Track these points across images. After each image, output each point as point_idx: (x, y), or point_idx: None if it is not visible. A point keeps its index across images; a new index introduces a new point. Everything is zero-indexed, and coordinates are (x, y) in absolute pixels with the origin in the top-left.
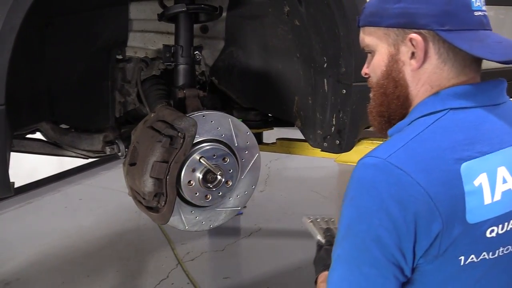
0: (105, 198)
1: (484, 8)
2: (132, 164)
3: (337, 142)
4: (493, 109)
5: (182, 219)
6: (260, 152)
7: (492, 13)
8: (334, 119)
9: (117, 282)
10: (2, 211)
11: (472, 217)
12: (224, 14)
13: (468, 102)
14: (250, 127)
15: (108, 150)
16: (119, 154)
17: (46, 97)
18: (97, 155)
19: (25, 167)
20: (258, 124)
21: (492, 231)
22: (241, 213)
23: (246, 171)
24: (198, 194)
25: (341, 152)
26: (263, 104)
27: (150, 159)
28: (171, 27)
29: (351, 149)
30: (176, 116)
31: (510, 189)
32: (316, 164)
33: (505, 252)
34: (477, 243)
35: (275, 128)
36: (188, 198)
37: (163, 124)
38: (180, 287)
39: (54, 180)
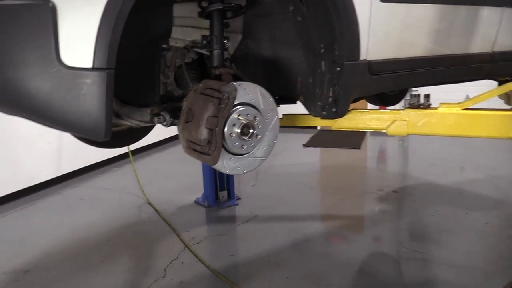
0: (105, 197)
1: None
2: (187, 121)
3: (334, 110)
4: None
5: (224, 164)
6: None
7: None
8: (330, 92)
9: (131, 264)
10: (7, 212)
11: None
12: None
13: None
14: None
15: (156, 120)
16: (164, 123)
17: None
18: (146, 124)
19: (25, 171)
20: None
21: None
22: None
23: (269, 128)
24: (236, 143)
25: (337, 118)
26: (272, 85)
27: (205, 114)
28: (202, 23)
29: (344, 114)
30: (221, 83)
31: None
32: (299, 161)
33: None
34: None
35: None
36: (229, 147)
37: (211, 90)
38: (190, 265)
39: (53, 183)
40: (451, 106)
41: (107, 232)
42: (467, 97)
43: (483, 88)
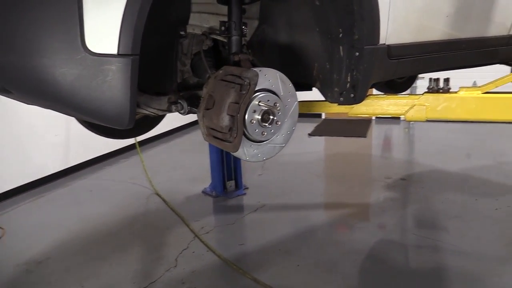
0: (114, 189)
1: None
2: (208, 108)
3: (352, 95)
4: None
5: (244, 152)
6: None
7: None
8: (349, 78)
9: (142, 254)
10: (17, 205)
11: None
12: None
13: None
14: None
15: (173, 109)
16: (182, 111)
17: None
18: (164, 113)
19: (34, 164)
20: None
21: None
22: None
23: (289, 114)
24: (257, 130)
25: (355, 104)
26: (288, 71)
27: (227, 100)
28: (220, 9)
29: (363, 99)
30: (242, 69)
31: None
32: (305, 150)
33: None
34: None
35: None
36: (250, 134)
37: (232, 77)
38: (201, 254)
39: (61, 175)
40: (471, 89)
41: (117, 223)
42: (475, 83)
43: (488, 74)
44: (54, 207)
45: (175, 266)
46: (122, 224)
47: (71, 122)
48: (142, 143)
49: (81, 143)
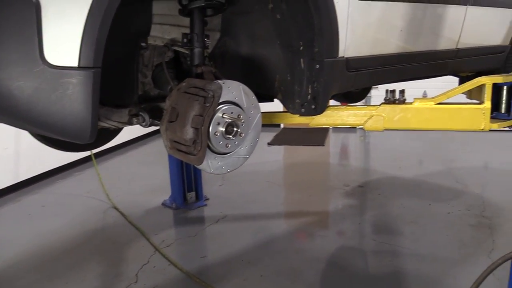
0: (68, 203)
1: None
2: (171, 121)
3: (313, 107)
4: None
5: (209, 164)
6: None
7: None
8: (309, 89)
9: (101, 271)
10: None
11: None
12: None
13: None
14: None
15: (134, 121)
16: (143, 124)
17: None
18: (124, 125)
19: None
20: None
21: None
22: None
23: (252, 126)
24: (221, 142)
25: (317, 114)
26: (250, 83)
27: (191, 113)
28: (181, 21)
29: (324, 111)
30: (206, 82)
31: None
32: (264, 159)
33: None
34: None
35: None
36: (214, 146)
37: (195, 89)
38: (163, 268)
39: (11, 190)
40: (425, 100)
41: (73, 239)
42: (425, 93)
43: (436, 84)
44: (4, 223)
45: (136, 282)
46: (79, 240)
47: (21, 134)
48: (97, 155)
49: (33, 156)
